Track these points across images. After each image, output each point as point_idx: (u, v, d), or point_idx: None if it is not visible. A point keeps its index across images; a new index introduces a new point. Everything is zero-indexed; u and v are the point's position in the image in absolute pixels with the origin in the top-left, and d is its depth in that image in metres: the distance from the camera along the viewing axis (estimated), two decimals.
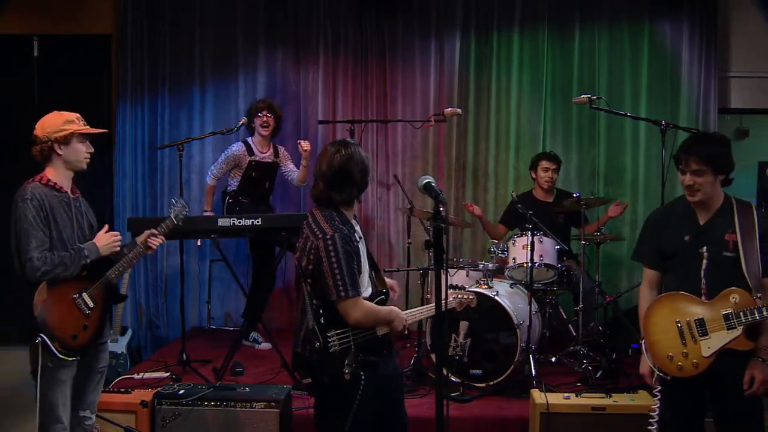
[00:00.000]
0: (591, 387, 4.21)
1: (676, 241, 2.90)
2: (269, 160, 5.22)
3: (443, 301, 1.87)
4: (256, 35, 6.03)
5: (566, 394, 3.72)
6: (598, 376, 4.41)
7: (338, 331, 2.61)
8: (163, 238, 3.21)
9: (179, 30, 6.00)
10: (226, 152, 5.19)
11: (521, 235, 4.75)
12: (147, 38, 5.99)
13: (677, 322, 2.81)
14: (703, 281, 2.80)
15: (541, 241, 4.66)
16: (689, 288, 2.83)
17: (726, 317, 2.73)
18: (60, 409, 2.95)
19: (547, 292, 5.01)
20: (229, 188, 5.23)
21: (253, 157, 5.12)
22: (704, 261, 2.81)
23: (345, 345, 2.61)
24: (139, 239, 3.17)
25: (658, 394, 3.00)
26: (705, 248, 2.81)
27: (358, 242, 2.70)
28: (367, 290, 2.71)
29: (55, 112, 3.06)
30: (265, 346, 5.24)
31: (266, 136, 5.17)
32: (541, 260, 4.64)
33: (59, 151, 3.00)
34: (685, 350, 2.78)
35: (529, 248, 4.51)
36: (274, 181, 5.33)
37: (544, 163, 5.26)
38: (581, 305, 4.70)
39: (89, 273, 3.04)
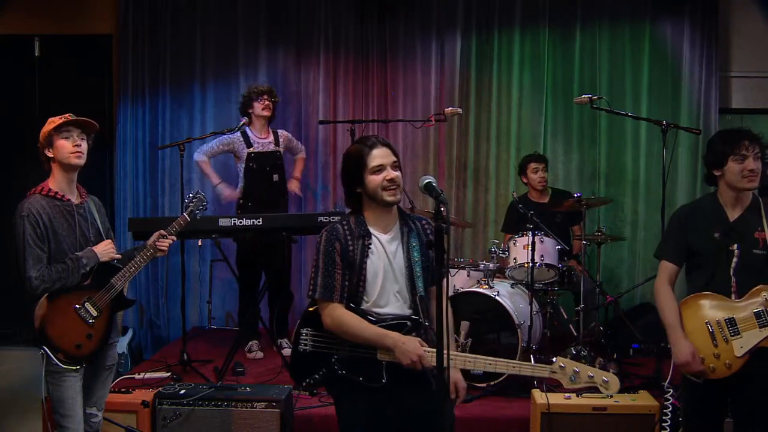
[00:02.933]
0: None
1: (704, 238, 2.85)
2: (270, 149, 5.07)
3: (445, 303, 1.87)
4: (256, 35, 6.03)
5: (567, 394, 3.71)
6: None
7: (313, 332, 2.52)
8: (174, 238, 3.15)
9: (180, 30, 6.01)
10: (222, 138, 5.04)
11: (522, 235, 4.75)
12: (148, 38, 5.99)
13: (707, 323, 2.76)
14: (733, 279, 2.76)
15: (542, 241, 4.66)
16: (718, 286, 2.79)
17: (758, 315, 2.69)
18: (71, 401, 2.95)
19: (548, 292, 5.01)
20: (238, 186, 5.11)
21: (251, 149, 4.98)
22: (735, 259, 2.76)
23: (319, 350, 2.51)
24: (149, 241, 3.12)
25: (670, 390, 2.95)
26: (736, 246, 2.77)
27: (364, 249, 2.49)
28: (386, 307, 2.51)
29: None
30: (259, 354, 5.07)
31: (266, 119, 5.05)
32: (542, 260, 4.64)
33: (50, 155, 2.97)
34: (716, 351, 2.73)
35: (530, 248, 4.51)
36: (283, 175, 5.16)
37: (533, 165, 5.25)
38: (582, 305, 4.70)
39: (93, 281, 3.01)
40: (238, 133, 4.99)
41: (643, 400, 3.66)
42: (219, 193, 5.16)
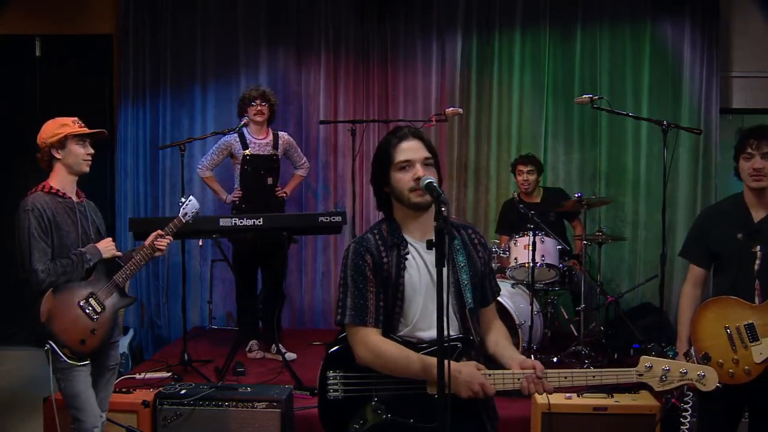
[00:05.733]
0: (593, 387, 4.21)
1: (727, 240, 2.77)
2: (267, 152, 4.98)
3: (445, 301, 1.86)
4: (257, 35, 6.04)
5: (568, 394, 3.71)
6: None
7: (344, 374, 2.13)
8: (171, 238, 3.22)
9: (180, 30, 6.01)
10: (217, 143, 5.02)
11: (523, 235, 4.75)
12: (148, 38, 6.00)
13: (726, 328, 2.69)
14: (757, 282, 2.69)
15: (542, 241, 4.66)
16: (741, 289, 2.71)
17: None
18: (84, 395, 3.00)
19: (549, 292, 5.01)
20: (234, 186, 5.07)
21: (246, 151, 4.90)
22: (757, 261, 2.69)
23: (354, 394, 2.11)
24: (147, 241, 3.19)
25: (689, 392, 2.91)
26: (759, 247, 2.70)
27: (400, 260, 2.11)
28: (429, 330, 2.09)
29: (54, 118, 3.08)
30: (291, 356, 4.92)
31: (261, 122, 4.94)
32: (543, 260, 4.65)
33: (58, 156, 3.01)
34: (735, 357, 2.66)
35: (530, 248, 4.51)
36: (277, 178, 5.09)
37: (519, 167, 5.25)
38: (583, 305, 4.70)
39: (96, 277, 3.06)
40: (235, 135, 4.93)
41: (643, 400, 3.66)
42: (230, 202, 5.06)
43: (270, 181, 5.04)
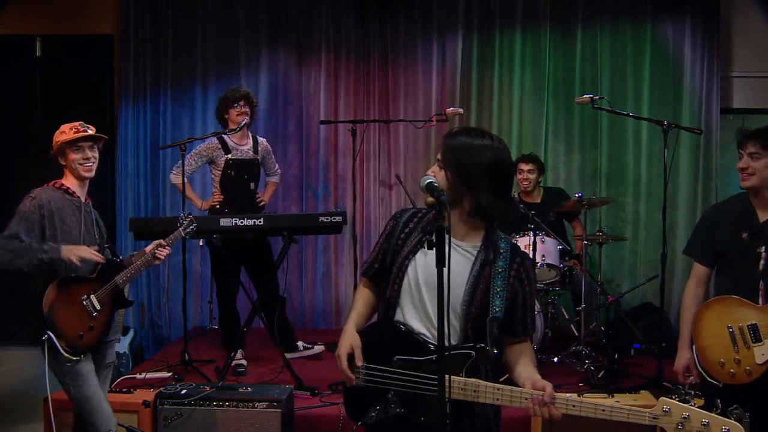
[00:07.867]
0: (593, 387, 4.21)
1: (732, 239, 2.77)
2: (249, 156, 4.83)
3: (446, 300, 1.87)
4: (258, 35, 6.04)
5: (568, 395, 3.70)
6: (600, 376, 4.41)
7: (366, 364, 2.17)
8: (170, 250, 3.34)
9: (181, 30, 6.02)
10: (196, 147, 4.79)
11: (523, 235, 4.75)
12: (149, 38, 6.00)
13: (729, 327, 2.68)
14: (761, 282, 2.67)
15: (543, 241, 4.66)
16: (745, 289, 2.70)
17: None
18: (95, 398, 3.08)
19: (549, 292, 5.01)
20: (212, 193, 4.90)
21: (230, 155, 4.74)
22: (762, 261, 2.68)
23: (373, 384, 2.17)
24: (148, 248, 3.29)
25: (690, 391, 2.94)
26: (763, 248, 2.69)
27: (417, 245, 2.17)
28: (416, 322, 2.17)
29: (62, 124, 3.19)
30: (318, 348, 4.99)
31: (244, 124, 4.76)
32: (543, 260, 4.65)
33: (62, 162, 3.17)
34: (737, 357, 2.65)
35: (531, 248, 4.51)
36: (258, 183, 4.95)
37: (520, 165, 5.23)
38: (583, 305, 4.70)
39: (99, 276, 3.15)
40: (215, 140, 4.75)
41: (644, 400, 3.66)
42: (207, 208, 4.89)
43: (252, 186, 4.89)
